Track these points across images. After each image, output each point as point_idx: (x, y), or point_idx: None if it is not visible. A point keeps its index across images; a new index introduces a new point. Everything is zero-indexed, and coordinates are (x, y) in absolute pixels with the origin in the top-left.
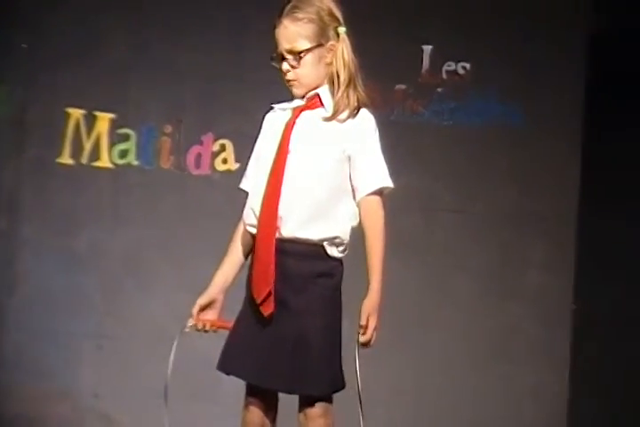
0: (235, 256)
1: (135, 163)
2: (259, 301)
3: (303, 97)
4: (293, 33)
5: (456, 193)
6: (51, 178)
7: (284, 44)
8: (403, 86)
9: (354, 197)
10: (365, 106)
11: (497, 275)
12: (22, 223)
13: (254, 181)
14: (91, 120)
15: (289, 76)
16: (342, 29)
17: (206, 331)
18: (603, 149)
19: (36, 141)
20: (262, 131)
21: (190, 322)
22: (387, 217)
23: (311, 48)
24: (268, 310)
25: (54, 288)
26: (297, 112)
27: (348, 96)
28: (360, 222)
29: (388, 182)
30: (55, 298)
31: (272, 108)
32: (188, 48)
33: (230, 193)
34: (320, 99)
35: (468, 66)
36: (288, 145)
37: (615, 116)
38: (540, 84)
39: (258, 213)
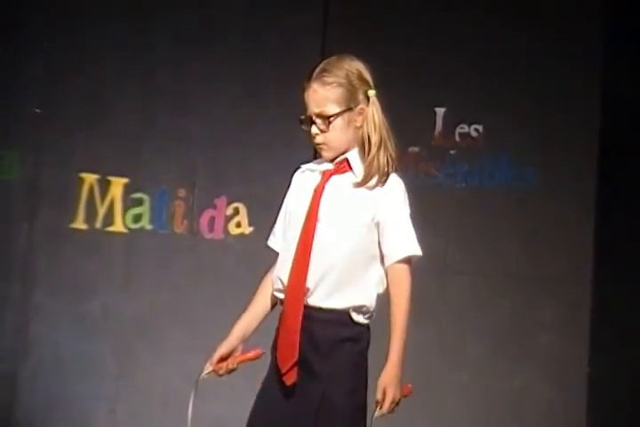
0: (260, 306)
1: (149, 227)
2: (283, 370)
3: (332, 160)
4: (322, 97)
5: (469, 255)
6: (64, 243)
7: (313, 108)
8: (416, 149)
9: (381, 263)
10: (395, 170)
11: (509, 337)
12: (35, 288)
13: (282, 245)
14: (104, 185)
15: (318, 139)
16: (372, 92)
17: (224, 374)
18: (617, 210)
19: (50, 206)
20: (291, 190)
21: (208, 369)
22: None
23: (340, 112)
24: (290, 379)
25: (67, 353)
26: (326, 176)
27: (378, 159)
28: (387, 289)
29: (416, 250)
30: (68, 362)
31: (299, 167)
32: (198, 114)
33: (244, 257)
34: (349, 163)
35: (480, 128)
36: (317, 213)
37: (630, 179)
38: (552, 146)
39: (286, 283)
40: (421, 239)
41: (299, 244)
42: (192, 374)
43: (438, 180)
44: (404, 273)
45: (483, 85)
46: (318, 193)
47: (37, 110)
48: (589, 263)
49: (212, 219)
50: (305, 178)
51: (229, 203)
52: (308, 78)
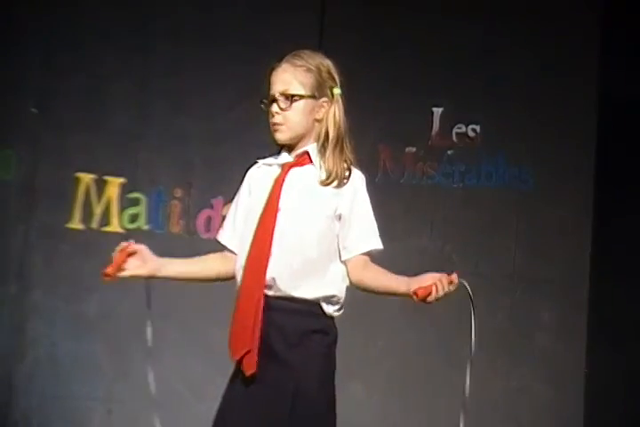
0: (194, 266)
1: (145, 227)
2: (235, 359)
3: (286, 148)
4: (290, 76)
5: (466, 255)
6: (60, 243)
7: (279, 86)
8: (413, 149)
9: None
10: (354, 165)
11: (507, 337)
12: (31, 288)
13: (241, 239)
14: (101, 185)
15: (276, 119)
16: (337, 91)
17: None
18: (614, 211)
19: (46, 206)
20: (246, 186)
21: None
22: None
23: (305, 96)
24: (249, 369)
25: (64, 353)
26: (286, 168)
27: (334, 159)
28: (353, 281)
29: (378, 244)
30: (64, 362)
31: (256, 162)
32: (194, 115)
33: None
34: (309, 156)
35: (478, 128)
36: (278, 202)
37: (627, 180)
38: (550, 146)
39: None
40: (418, 239)
41: (257, 231)
42: (190, 374)
43: (436, 180)
44: (368, 261)
45: (480, 86)
46: (279, 184)
47: (34, 110)
48: (587, 264)
49: (209, 219)
50: (263, 173)
51: (226, 203)
52: (278, 60)
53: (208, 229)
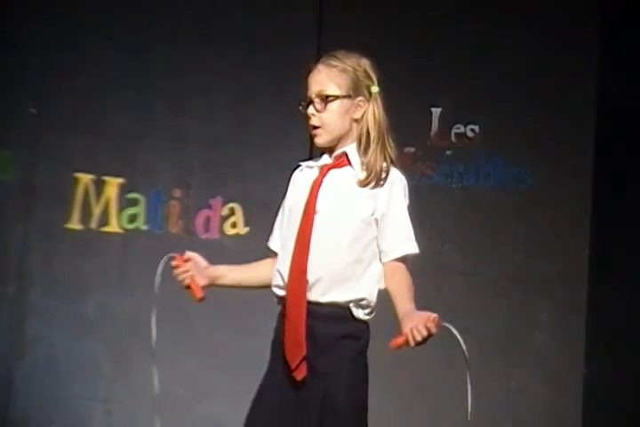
0: (251, 272)
1: (144, 227)
2: (293, 366)
3: (327, 150)
4: (325, 77)
5: (464, 255)
6: (59, 243)
7: (314, 87)
8: (412, 149)
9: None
10: (395, 166)
11: (505, 338)
12: (30, 288)
13: (282, 242)
14: (100, 185)
15: (313, 121)
16: (375, 89)
17: (179, 279)
18: (613, 211)
19: (45, 207)
20: (290, 189)
21: (173, 257)
22: None
23: (340, 96)
24: (300, 374)
25: (62, 353)
26: (324, 170)
27: (376, 156)
28: (387, 285)
29: (414, 249)
30: (63, 363)
31: (299, 165)
32: (193, 115)
33: (239, 257)
34: (347, 157)
35: (476, 128)
36: (315, 205)
37: (626, 180)
38: (548, 147)
39: (286, 278)
40: (418, 239)
41: (297, 237)
42: (188, 375)
43: (434, 180)
44: (401, 269)
45: (479, 86)
46: (316, 186)
47: (33, 110)
48: (585, 264)
49: (208, 219)
50: (304, 175)
51: (225, 203)
52: (316, 61)
53: (207, 230)
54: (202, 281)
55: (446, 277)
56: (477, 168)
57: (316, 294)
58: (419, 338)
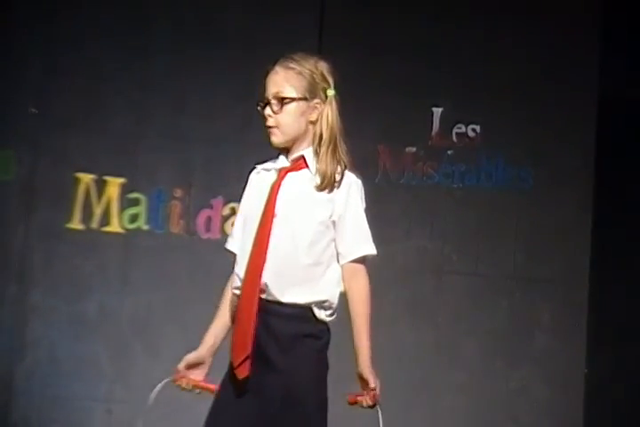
0: (224, 318)
1: (145, 227)
2: (235, 364)
3: (284, 151)
4: (282, 79)
5: (466, 255)
6: (60, 243)
7: (271, 89)
8: (413, 149)
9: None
10: (349, 168)
11: (507, 338)
12: (31, 289)
13: (241, 244)
14: (101, 185)
15: (269, 122)
16: (331, 92)
17: (188, 390)
18: (614, 211)
19: (46, 206)
20: (247, 191)
21: (172, 377)
22: (397, 278)
23: (296, 98)
24: (243, 373)
25: (63, 353)
26: (282, 173)
27: (327, 160)
28: (345, 288)
29: (371, 250)
30: (64, 363)
31: (254, 167)
32: (194, 115)
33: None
34: (305, 160)
35: (477, 128)
36: (274, 208)
37: (627, 179)
38: (550, 147)
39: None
40: (418, 239)
41: (255, 238)
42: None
43: (435, 180)
44: (360, 271)
45: (480, 86)
46: (275, 189)
47: (34, 110)
48: (587, 264)
49: (209, 219)
50: (261, 178)
51: (226, 203)
52: (274, 63)
53: (208, 229)
54: (200, 375)
55: (446, 277)
56: (478, 168)
57: (276, 294)
58: (365, 405)
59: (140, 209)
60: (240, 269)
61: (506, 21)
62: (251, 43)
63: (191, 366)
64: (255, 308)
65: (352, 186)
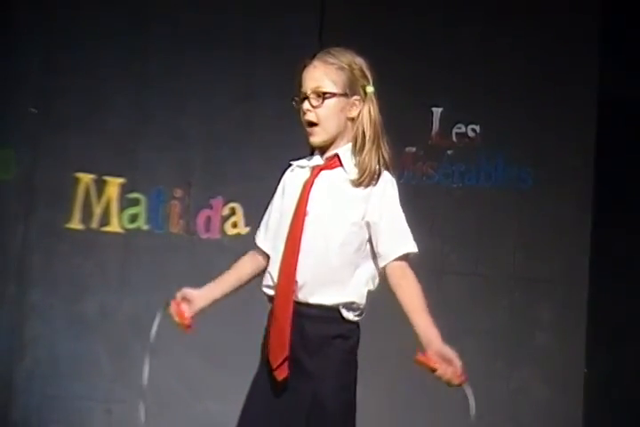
0: (234, 281)
1: (145, 227)
2: (274, 366)
3: (319, 150)
4: (322, 74)
5: (465, 255)
6: (60, 243)
7: (310, 83)
8: (413, 149)
9: (374, 261)
10: (387, 168)
11: (506, 337)
12: (31, 288)
13: (273, 241)
14: (100, 185)
15: (309, 116)
16: (370, 89)
17: (170, 316)
18: (614, 211)
19: (46, 206)
20: (280, 188)
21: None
22: None
23: (337, 93)
24: (282, 375)
25: (63, 353)
26: (316, 171)
27: (371, 156)
28: (391, 286)
29: (413, 248)
30: (64, 362)
31: (290, 164)
32: (194, 114)
33: (240, 257)
34: (339, 159)
35: (477, 128)
36: (306, 206)
37: (627, 179)
38: (549, 146)
39: (276, 279)
40: (418, 239)
41: (287, 239)
42: (188, 374)
43: (435, 179)
44: (406, 268)
45: (480, 85)
46: (307, 187)
47: (33, 110)
48: (586, 264)
49: (209, 219)
50: (295, 175)
51: (226, 203)
52: (311, 57)
53: (207, 229)
54: (192, 310)
55: (446, 277)
56: (478, 168)
57: (304, 295)
58: (441, 379)
59: (140, 209)
60: (272, 268)
61: (505, 21)
62: (250, 43)
63: (185, 300)
64: (291, 308)
65: (388, 184)
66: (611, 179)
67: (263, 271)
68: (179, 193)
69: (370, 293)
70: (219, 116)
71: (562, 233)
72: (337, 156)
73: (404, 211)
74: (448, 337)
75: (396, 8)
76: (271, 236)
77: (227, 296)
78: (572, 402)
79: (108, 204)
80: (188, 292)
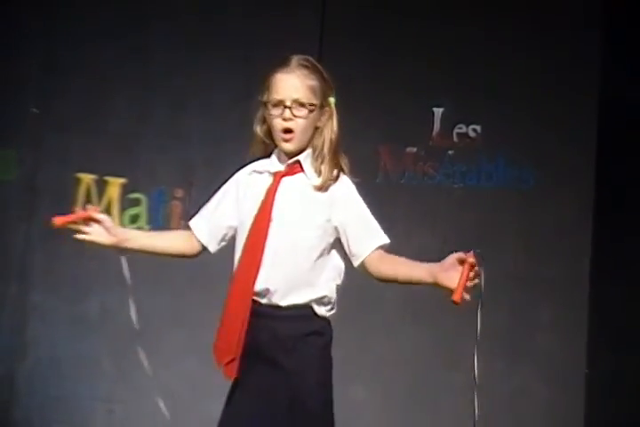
0: (170, 243)
1: (146, 227)
2: (219, 365)
3: (289, 156)
4: (306, 85)
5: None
6: (61, 243)
7: (290, 92)
8: (414, 149)
9: (340, 257)
10: (344, 172)
11: (507, 338)
12: (32, 289)
13: (210, 233)
14: (102, 185)
15: (290, 124)
16: (333, 99)
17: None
18: (614, 211)
19: (47, 207)
20: (234, 188)
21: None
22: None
23: (317, 105)
24: (230, 374)
25: (64, 353)
26: (278, 178)
27: (332, 164)
28: (374, 276)
29: (384, 239)
30: (65, 363)
31: (243, 166)
32: (195, 114)
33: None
34: (301, 165)
35: (478, 128)
36: (271, 213)
37: (627, 180)
38: (550, 147)
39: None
40: (419, 239)
41: (248, 241)
42: (189, 374)
43: (436, 180)
44: (382, 253)
45: (481, 86)
46: (271, 194)
47: (35, 110)
48: (587, 264)
49: None
50: (252, 180)
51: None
52: (286, 63)
53: None
54: (103, 238)
55: None
56: (479, 168)
57: (276, 299)
58: (469, 284)
59: (141, 209)
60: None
61: (506, 21)
62: (250, 43)
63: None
64: (247, 313)
65: (348, 185)
66: (612, 179)
67: (187, 257)
68: (179, 193)
69: (339, 287)
70: (219, 116)
71: (563, 233)
72: (298, 162)
73: (404, 210)
74: (448, 337)
75: (396, 8)
76: (209, 227)
77: (141, 251)
78: (572, 402)
79: (110, 204)
80: (107, 220)
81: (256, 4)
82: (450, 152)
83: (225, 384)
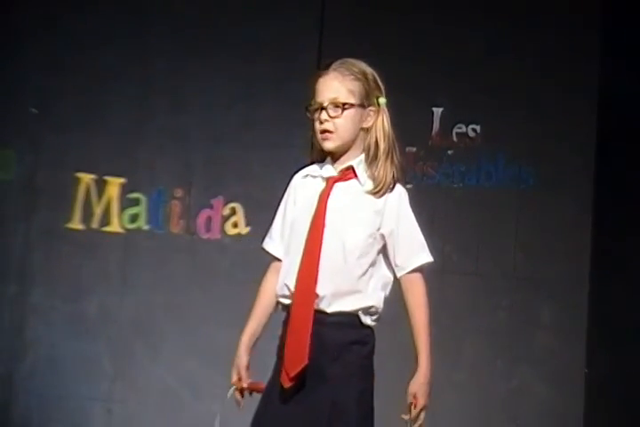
0: (263, 314)
1: (145, 227)
2: (292, 374)
3: (331, 156)
4: (340, 85)
5: (466, 255)
6: (61, 243)
7: (328, 94)
8: (413, 149)
9: (387, 269)
10: (399, 180)
11: (507, 337)
12: (32, 289)
13: (285, 251)
14: (101, 185)
15: (326, 125)
16: (383, 100)
17: (248, 393)
18: (614, 211)
19: (46, 206)
20: (291, 195)
21: (232, 391)
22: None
23: (355, 104)
24: (292, 382)
25: (63, 353)
26: (330, 183)
27: (386, 168)
28: (404, 299)
29: (428, 258)
30: (64, 363)
31: (299, 170)
32: (194, 114)
33: (240, 257)
34: (354, 170)
35: (478, 128)
36: (324, 219)
37: (627, 179)
38: (550, 146)
39: (293, 289)
40: None
41: (305, 250)
42: (188, 374)
43: (436, 179)
44: (418, 281)
45: (480, 85)
46: (324, 200)
47: (34, 110)
48: (587, 263)
49: (209, 219)
50: (306, 183)
51: (226, 203)
52: (326, 67)
53: (208, 229)
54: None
55: (448, 277)
56: (479, 168)
57: (324, 305)
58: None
59: (140, 209)
60: (288, 278)
61: (506, 21)
62: (250, 43)
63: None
64: (311, 318)
65: (402, 196)
66: (611, 178)
67: None
68: (179, 193)
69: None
70: (219, 116)
71: (562, 233)
72: (351, 167)
73: None
74: (448, 337)
75: (396, 8)
76: (286, 243)
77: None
78: (572, 402)
79: (109, 204)
80: (240, 366)
81: (256, 5)
82: (449, 152)
83: (225, 384)
